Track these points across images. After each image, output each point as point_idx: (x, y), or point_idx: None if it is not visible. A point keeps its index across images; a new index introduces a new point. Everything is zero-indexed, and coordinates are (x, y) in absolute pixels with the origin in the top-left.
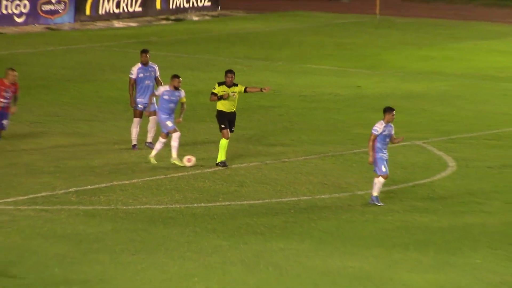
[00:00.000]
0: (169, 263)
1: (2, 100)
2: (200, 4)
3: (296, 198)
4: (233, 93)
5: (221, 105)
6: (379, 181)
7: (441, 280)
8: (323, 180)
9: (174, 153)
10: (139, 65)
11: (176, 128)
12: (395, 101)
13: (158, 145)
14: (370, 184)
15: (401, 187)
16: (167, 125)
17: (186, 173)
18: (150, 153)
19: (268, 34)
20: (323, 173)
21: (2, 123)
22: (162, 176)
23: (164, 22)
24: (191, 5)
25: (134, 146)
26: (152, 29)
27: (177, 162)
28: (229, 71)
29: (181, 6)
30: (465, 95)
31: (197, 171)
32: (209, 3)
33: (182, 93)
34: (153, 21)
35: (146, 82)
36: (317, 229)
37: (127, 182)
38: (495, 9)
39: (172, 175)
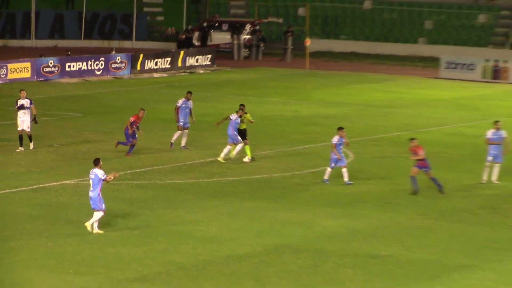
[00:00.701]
0: (185, 214)
1: (134, 127)
2: (203, 63)
3: (260, 176)
4: (243, 118)
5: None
6: (343, 171)
7: (346, 224)
8: (275, 165)
9: (222, 155)
10: (183, 99)
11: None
12: (318, 119)
13: (236, 150)
14: (303, 167)
15: (322, 169)
16: (235, 138)
17: (196, 161)
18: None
19: (244, 81)
20: (275, 161)
21: (135, 137)
22: (182, 163)
23: (183, 73)
24: (198, 63)
25: (171, 144)
26: (176, 78)
27: (221, 160)
28: (242, 104)
29: (193, 64)
30: (358, 115)
31: (202, 160)
32: (209, 62)
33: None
34: (176, 73)
35: (186, 110)
36: (272, 194)
37: (161, 167)
38: (376, 65)
39: (187, 163)
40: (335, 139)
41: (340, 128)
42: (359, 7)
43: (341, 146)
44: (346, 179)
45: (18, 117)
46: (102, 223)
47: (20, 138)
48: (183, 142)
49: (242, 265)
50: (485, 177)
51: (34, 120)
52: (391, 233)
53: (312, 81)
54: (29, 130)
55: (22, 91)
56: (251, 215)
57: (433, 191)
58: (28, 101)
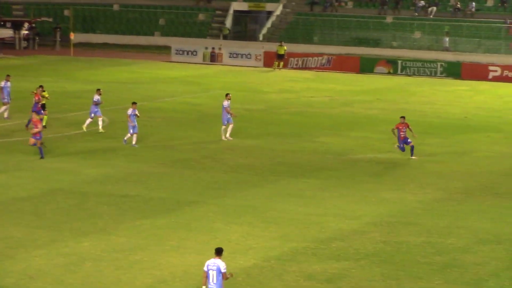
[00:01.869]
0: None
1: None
2: None
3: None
4: (43, 94)
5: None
6: (134, 136)
7: (102, 171)
8: (48, 130)
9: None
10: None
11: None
12: (81, 93)
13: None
14: (71, 130)
15: (84, 131)
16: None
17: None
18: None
19: (24, 65)
20: (49, 125)
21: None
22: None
23: None
24: None
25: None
26: None
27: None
28: (41, 86)
29: None
30: (111, 90)
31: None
32: None
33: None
34: None
35: (8, 89)
36: (47, 150)
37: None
38: (124, 53)
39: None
40: (130, 111)
41: (134, 103)
42: (110, 9)
43: (134, 117)
44: (134, 142)
45: None
46: None
47: None
48: None
49: (25, 204)
50: (223, 137)
51: None
52: (137, 178)
53: (76, 65)
54: None
55: None
56: (33, 166)
57: (166, 147)
58: None
